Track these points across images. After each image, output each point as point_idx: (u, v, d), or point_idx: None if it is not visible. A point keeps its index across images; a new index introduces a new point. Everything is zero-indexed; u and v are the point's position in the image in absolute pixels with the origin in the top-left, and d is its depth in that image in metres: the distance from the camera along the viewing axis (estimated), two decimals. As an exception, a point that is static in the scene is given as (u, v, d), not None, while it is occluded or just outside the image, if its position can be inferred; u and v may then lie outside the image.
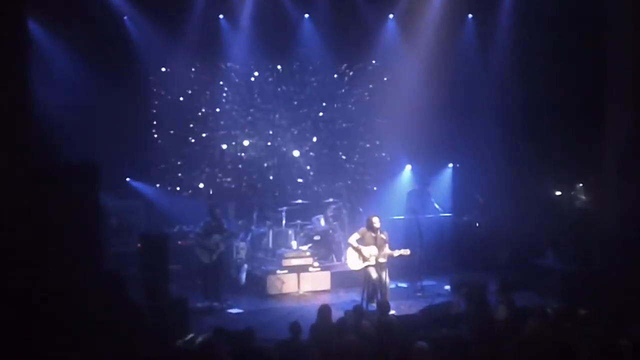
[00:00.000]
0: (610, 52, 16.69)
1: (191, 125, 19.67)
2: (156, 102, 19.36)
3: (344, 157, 20.64)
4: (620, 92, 16.35)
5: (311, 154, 20.41)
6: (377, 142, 20.75)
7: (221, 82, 19.80)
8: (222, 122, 19.86)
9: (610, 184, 16.60)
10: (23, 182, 10.95)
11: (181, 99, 19.55)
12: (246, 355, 10.36)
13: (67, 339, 10.43)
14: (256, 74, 19.97)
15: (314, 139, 20.43)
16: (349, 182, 20.28)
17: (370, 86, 20.67)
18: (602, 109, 16.88)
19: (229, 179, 19.92)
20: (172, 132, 19.50)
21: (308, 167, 20.36)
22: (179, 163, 19.58)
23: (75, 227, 11.17)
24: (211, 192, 19.57)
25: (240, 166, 20.00)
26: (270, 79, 20.05)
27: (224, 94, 19.86)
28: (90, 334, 10.56)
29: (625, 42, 16.26)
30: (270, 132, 20.15)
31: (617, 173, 16.27)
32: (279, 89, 20.14)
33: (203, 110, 19.76)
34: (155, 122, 19.38)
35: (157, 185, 19.38)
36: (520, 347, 10.10)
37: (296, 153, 20.26)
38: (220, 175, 19.90)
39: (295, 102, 20.27)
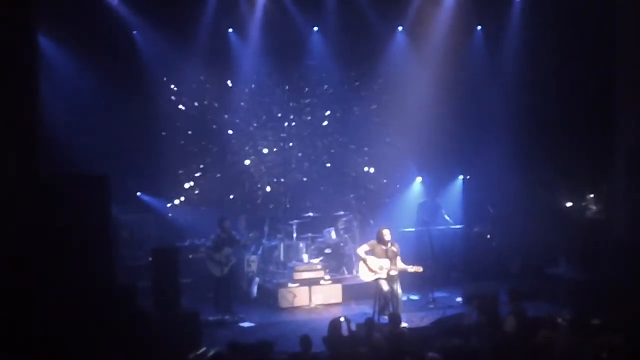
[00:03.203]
0: (619, 62, 16.70)
1: (202, 140, 19.69)
2: (166, 116, 19.39)
3: (354, 169, 20.59)
4: (629, 99, 16.36)
5: (321, 166, 20.38)
6: (388, 155, 20.67)
7: (230, 95, 19.82)
8: (231, 135, 19.87)
9: (620, 191, 16.60)
10: (34, 194, 11.00)
11: (191, 112, 19.59)
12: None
13: (79, 352, 10.45)
14: (265, 87, 19.94)
15: (324, 152, 20.40)
16: (360, 194, 20.20)
17: (380, 98, 20.63)
18: (612, 118, 16.90)
19: (240, 192, 19.91)
20: (182, 145, 19.54)
21: (318, 180, 20.32)
22: (189, 176, 19.63)
23: (87, 240, 11.19)
24: (222, 205, 19.55)
25: (250, 179, 19.98)
26: (279, 92, 20.05)
27: (233, 107, 19.89)
28: (102, 348, 10.57)
29: (634, 52, 16.28)
30: (281, 145, 20.15)
31: (626, 180, 16.26)
32: (289, 102, 20.16)
33: (213, 123, 19.80)
34: (165, 136, 19.40)
35: (169, 202, 19.43)
36: (532, 357, 10.07)
37: (306, 166, 20.24)
38: (231, 188, 19.88)
39: (305, 115, 20.27)
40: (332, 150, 20.46)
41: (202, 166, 19.82)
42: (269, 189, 20.08)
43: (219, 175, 19.91)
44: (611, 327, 11.10)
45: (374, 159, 20.70)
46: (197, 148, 19.72)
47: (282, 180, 20.17)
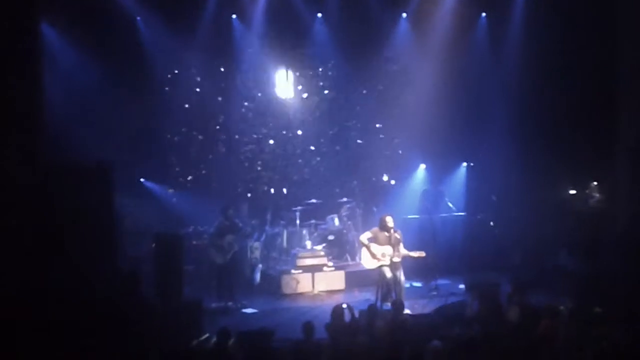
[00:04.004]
0: (623, 52, 16.68)
1: (205, 126, 19.66)
2: (169, 103, 19.35)
3: (357, 156, 20.56)
4: (633, 90, 16.34)
5: (325, 154, 20.34)
6: (391, 142, 20.63)
7: (234, 83, 19.76)
8: (235, 123, 19.84)
9: (623, 182, 16.59)
10: (37, 183, 11.01)
11: (194, 99, 19.54)
12: (260, 355, 10.39)
13: (82, 339, 10.48)
14: (269, 74, 19.88)
15: (328, 140, 20.35)
16: (363, 181, 20.15)
17: (384, 86, 20.57)
18: (616, 108, 16.88)
19: (243, 179, 19.89)
20: (185, 132, 19.51)
21: (322, 168, 20.30)
22: (192, 163, 19.62)
23: (90, 228, 11.22)
24: (225, 193, 19.50)
25: (253, 166, 19.95)
26: (283, 79, 19.96)
27: (237, 94, 19.82)
28: (105, 335, 10.61)
29: (638, 42, 16.25)
30: (284, 132, 20.11)
31: (629, 171, 16.26)
32: (293, 90, 20.07)
33: (216, 110, 19.75)
34: (168, 123, 19.37)
35: (171, 188, 19.42)
36: (534, 347, 10.10)
37: (310, 153, 20.22)
38: (234, 175, 19.86)
39: (309, 103, 20.19)
40: (335, 138, 20.38)
41: (206, 153, 19.78)
42: (271, 176, 20.03)
43: (221, 165, 19.83)
44: (612, 318, 11.11)
45: (377, 146, 20.69)
46: (200, 135, 19.65)
47: (285, 167, 20.12)
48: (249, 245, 17.74)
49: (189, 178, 19.58)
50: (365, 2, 19.73)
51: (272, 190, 19.88)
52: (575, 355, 9.73)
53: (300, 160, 20.22)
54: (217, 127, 19.80)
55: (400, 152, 20.68)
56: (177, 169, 19.54)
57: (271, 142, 19.98)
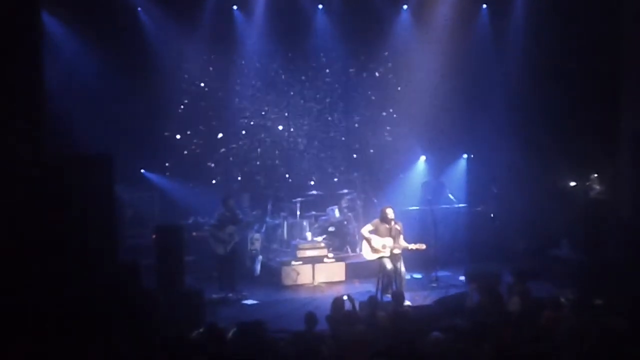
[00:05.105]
0: (626, 42, 16.65)
1: (205, 116, 19.62)
2: (170, 93, 19.27)
3: (358, 147, 20.53)
4: (635, 80, 16.32)
5: (325, 145, 20.31)
6: (392, 133, 20.60)
7: (235, 74, 19.73)
8: (235, 114, 19.80)
9: (624, 172, 16.57)
10: (37, 173, 10.99)
11: (195, 89, 19.49)
12: (261, 347, 10.38)
13: (82, 331, 10.47)
14: (270, 65, 19.85)
15: (328, 130, 20.31)
16: (364, 173, 20.13)
17: (384, 77, 20.53)
18: (617, 98, 16.86)
19: (243, 170, 19.86)
20: (186, 123, 19.47)
21: (322, 157, 20.28)
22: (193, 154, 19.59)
23: (90, 218, 11.20)
24: (225, 183, 19.48)
25: (254, 157, 19.92)
26: (283, 71, 19.95)
27: (238, 86, 19.78)
28: (105, 326, 10.60)
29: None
30: (281, 127, 20.06)
31: (630, 161, 16.24)
32: (293, 81, 20.05)
33: (217, 101, 19.70)
34: (169, 114, 19.32)
35: (170, 177, 19.38)
36: (535, 337, 10.09)
37: (310, 144, 20.18)
38: (234, 166, 19.84)
39: (310, 94, 20.17)
40: (336, 129, 20.32)
41: (207, 144, 19.74)
42: (270, 168, 19.98)
43: (222, 155, 19.80)
44: (614, 309, 11.11)
45: (377, 138, 20.65)
46: (201, 126, 19.62)
47: (285, 158, 20.09)
48: (250, 236, 17.71)
49: (190, 169, 19.49)
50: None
51: (272, 182, 19.83)
52: (577, 347, 9.70)
53: (302, 150, 20.20)
54: (217, 116, 19.74)
55: (398, 145, 20.65)
56: (178, 159, 19.47)
57: (270, 132, 19.97)
